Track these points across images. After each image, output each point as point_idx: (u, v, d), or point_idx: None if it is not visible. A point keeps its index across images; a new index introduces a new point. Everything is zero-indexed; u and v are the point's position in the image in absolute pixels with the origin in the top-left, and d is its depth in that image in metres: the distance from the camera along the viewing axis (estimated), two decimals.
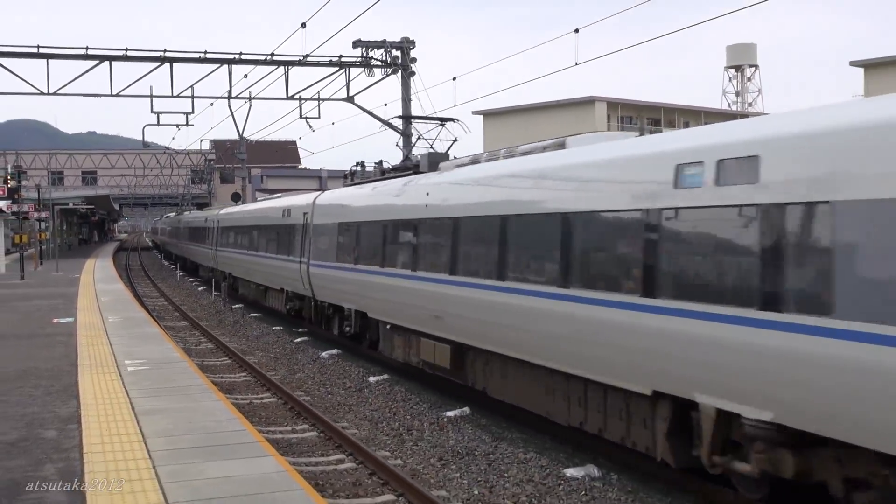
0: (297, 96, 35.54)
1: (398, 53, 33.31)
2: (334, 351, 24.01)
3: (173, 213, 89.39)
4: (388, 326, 20.13)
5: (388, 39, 33.18)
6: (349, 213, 22.64)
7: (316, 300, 25.51)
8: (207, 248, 46.67)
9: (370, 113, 34.68)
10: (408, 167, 22.08)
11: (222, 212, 45.66)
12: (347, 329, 23.06)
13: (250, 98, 36.78)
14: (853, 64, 53.27)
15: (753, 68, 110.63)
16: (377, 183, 22.62)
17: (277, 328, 30.05)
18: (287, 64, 34.01)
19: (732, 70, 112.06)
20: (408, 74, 33.33)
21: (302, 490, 8.38)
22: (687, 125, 71.39)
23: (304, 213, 26.47)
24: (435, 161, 19.84)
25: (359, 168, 26.99)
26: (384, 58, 33.33)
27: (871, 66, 51.51)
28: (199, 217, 55.60)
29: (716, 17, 18.80)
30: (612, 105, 70.23)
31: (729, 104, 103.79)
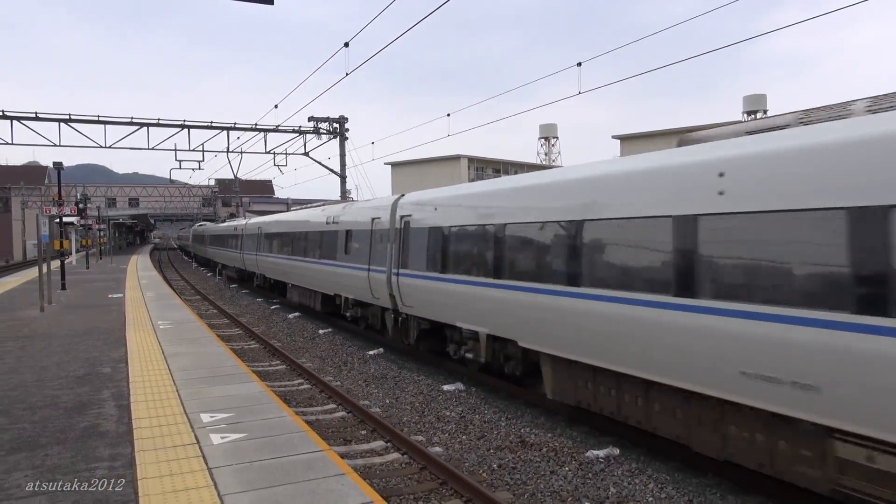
0: (271, 151, 35.34)
1: (337, 125, 33.50)
2: (297, 314, 23.69)
3: (209, 222, 59.94)
4: None
5: (330, 116, 33.52)
6: None
7: None
8: (315, 265, 20.09)
9: (319, 163, 34.54)
10: None
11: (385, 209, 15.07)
12: None
13: (241, 152, 36.08)
14: (614, 137, 56.00)
15: (556, 139, 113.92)
16: None
17: (259, 300, 29.41)
18: (265, 131, 33.75)
19: (543, 139, 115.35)
20: (343, 139, 33.48)
21: (275, 403, 8.35)
22: (516, 172, 73.86)
23: None
24: None
25: None
26: (328, 127, 33.53)
27: (624, 139, 54.64)
28: (290, 220, 24.56)
29: (533, 109, 19.61)
30: (472, 160, 70.95)
31: (541, 160, 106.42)
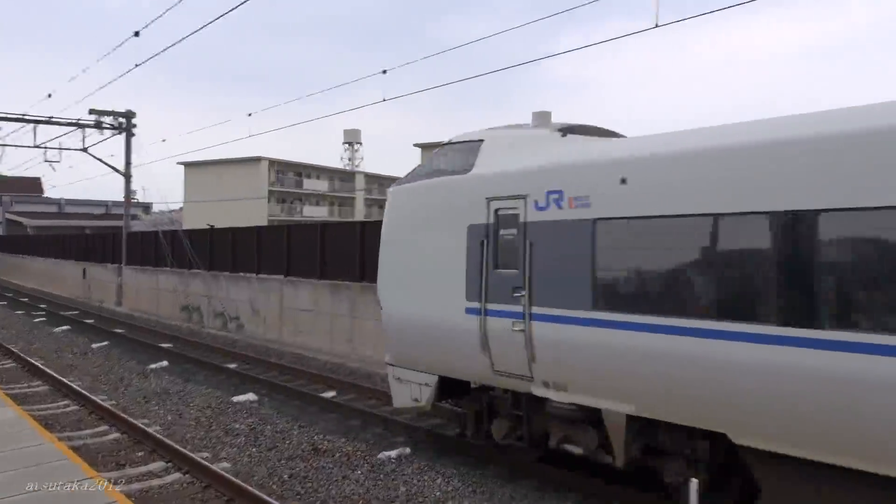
0: (42, 145, 31.22)
1: (123, 119, 30.56)
2: (66, 327, 21.11)
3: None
4: None
5: (115, 109, 30.37)
6: None
7: None
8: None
9: (100, 160, 31.25)
10: None
11: None
12: None
13: (3, 145, 31.49)
14: (415, 145, 57.89)
15: (359, 144, 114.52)
16: None
17: (19, 312, 25.76)
18: (35, 122, 29.84)
19: (347, 144, 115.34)
20: (129, 135, 30.65)
21: (33, 429, 7.37)
22: (318, 178, 72.54)
23: None
24: None
25: None
26: (113, 122, 30.43)
27: (424, 147, 56.77)
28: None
29: (338, 113, 19.69)
30: (272, 162, 68.15)
31: (344, 165, 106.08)
